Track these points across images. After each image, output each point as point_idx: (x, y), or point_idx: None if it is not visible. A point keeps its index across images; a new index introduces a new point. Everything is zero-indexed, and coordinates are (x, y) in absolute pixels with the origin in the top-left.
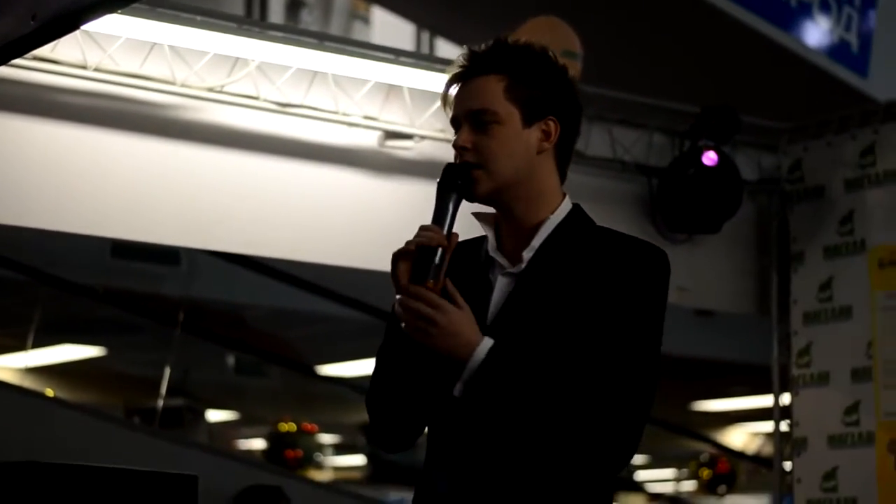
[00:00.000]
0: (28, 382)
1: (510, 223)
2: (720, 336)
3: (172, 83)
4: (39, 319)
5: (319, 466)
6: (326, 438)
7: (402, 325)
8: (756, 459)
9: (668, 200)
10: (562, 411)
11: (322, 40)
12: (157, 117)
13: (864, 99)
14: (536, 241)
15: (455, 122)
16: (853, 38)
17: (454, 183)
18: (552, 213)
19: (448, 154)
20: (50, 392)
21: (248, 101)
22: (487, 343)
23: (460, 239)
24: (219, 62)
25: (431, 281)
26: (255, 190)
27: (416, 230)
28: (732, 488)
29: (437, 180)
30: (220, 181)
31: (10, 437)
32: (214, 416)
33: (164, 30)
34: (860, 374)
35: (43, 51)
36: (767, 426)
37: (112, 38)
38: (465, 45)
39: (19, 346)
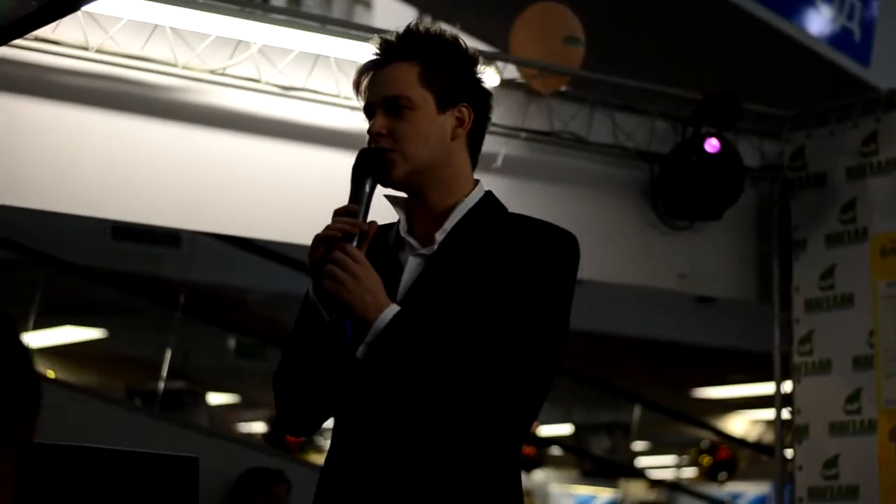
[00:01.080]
0: None
1: (422, 207)
2: (721, 323)
3: (174, 65)
4: (40, 301)
5: (320, 450)
6: (328, 422)
7: (324, 281)
8: (757, 447)
9: (669, 187)
10: (459, 378)
11: (324, 24)
12: (159, 99)
13: (867, 87)
14: (449, 224)
15: (369, 110)
16: (855, 27)
17: (369, 167)
18: (465, 197)
19: None
20: (51, 374)
21: (250, 83)
22: (394, 308)
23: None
24: (221, 44)
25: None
26: (256, 173)
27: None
28: (733, 475)
29: (353, 164)
30: (221, 164)
31: None
32: (215, 398)
33: (167, 11)
34: (862, 363)
35: (44, 31)
36: (768, 413)
37: (114, 20)
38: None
39: (20, 328)
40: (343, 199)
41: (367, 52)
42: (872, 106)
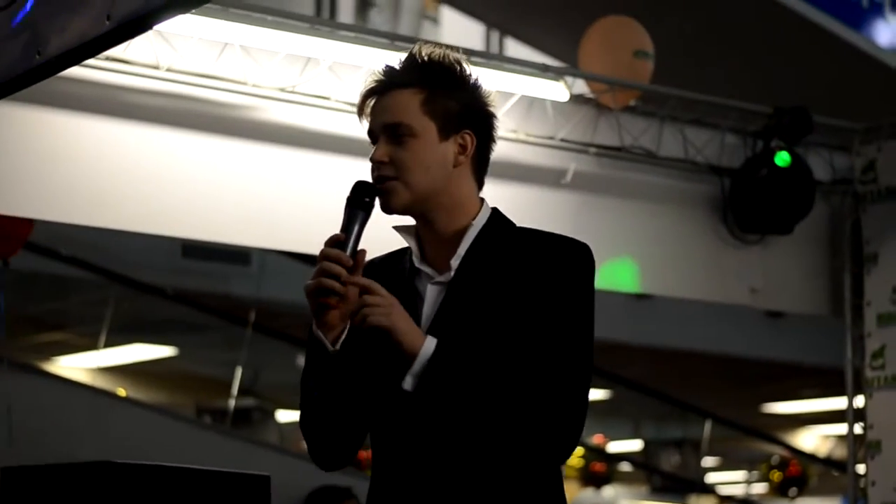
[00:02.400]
0: (100, 382)
1: (431, 233)
2: (792, 338)
3: (244, 83)
4: (111, 319)
5: None
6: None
7: (361, 315)
8: (828, 462)
9: (740, 201)
10: (507, 401)
11: (392, 40)
12: (229, 117)
13: None
14: (462, 249)
15: (371, 135)
16: None
17: (361, 200)
18: (473, 219)
19: (517, 154)
20: (122, 392)
21: (320, 101)
22: (431, 338)
23: (383, 252)
24: (290, 62)
25: (332, 297)
26: (326, 190)
27: None
28: (803, 491)
29: (347, 196)
30: (291, 181)
31: (83, 436)
32: (284, 416)
33: (236, 29)
34: None
35: (115, 51)
36: (839, 429)
37: (184, 38)
38: (538, 56)
39: (91, 346)
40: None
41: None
42: None
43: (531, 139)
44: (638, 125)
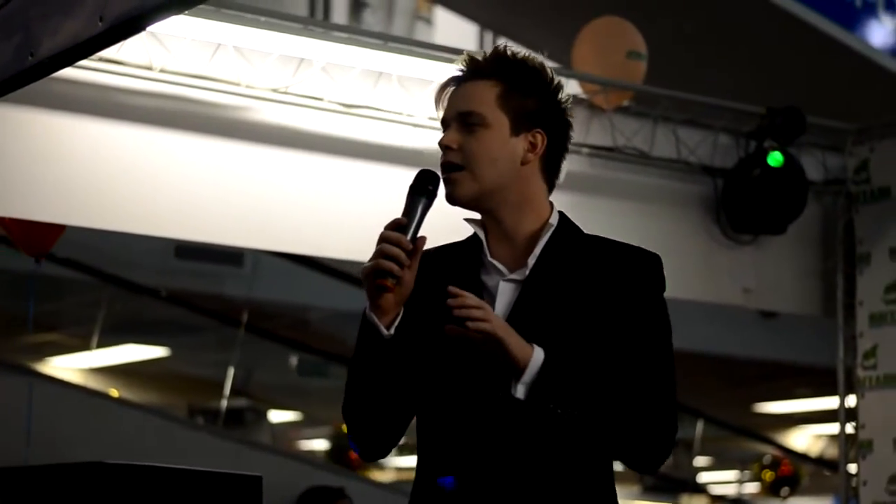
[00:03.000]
0: (93, 383)
1: (499, 230)
2: (784, 337)
3: (237, 84)
4: (104, 320)
5: (382, 467)
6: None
7: (469, 325)
8: (820, 462)
9: (733, 201)
10: (616, 410)
11: (386, 41)
12: (222, 118)
13: None
14: (538, 248)
15: (444, 123)
16: None
17: (425, 187)
18: (546, 220)
19: None
20: (115, 392)
21: (313, 101)
22: (537, 347)
23: (444, 242)
24: (283, 63)
25: (389, 280)
26: (319, 191)
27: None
28: (795, 490)
29: (410, 183)
30: (284, 182)
31: (76, 436)
32: (277, 416)
33: (229, 30)
34: None
35: (109, 52)
36: (831, 428)
37: (177, 39)
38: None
39: (84, 347)
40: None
41: (427, 68)
42: None
43: None
44: (631, 126)
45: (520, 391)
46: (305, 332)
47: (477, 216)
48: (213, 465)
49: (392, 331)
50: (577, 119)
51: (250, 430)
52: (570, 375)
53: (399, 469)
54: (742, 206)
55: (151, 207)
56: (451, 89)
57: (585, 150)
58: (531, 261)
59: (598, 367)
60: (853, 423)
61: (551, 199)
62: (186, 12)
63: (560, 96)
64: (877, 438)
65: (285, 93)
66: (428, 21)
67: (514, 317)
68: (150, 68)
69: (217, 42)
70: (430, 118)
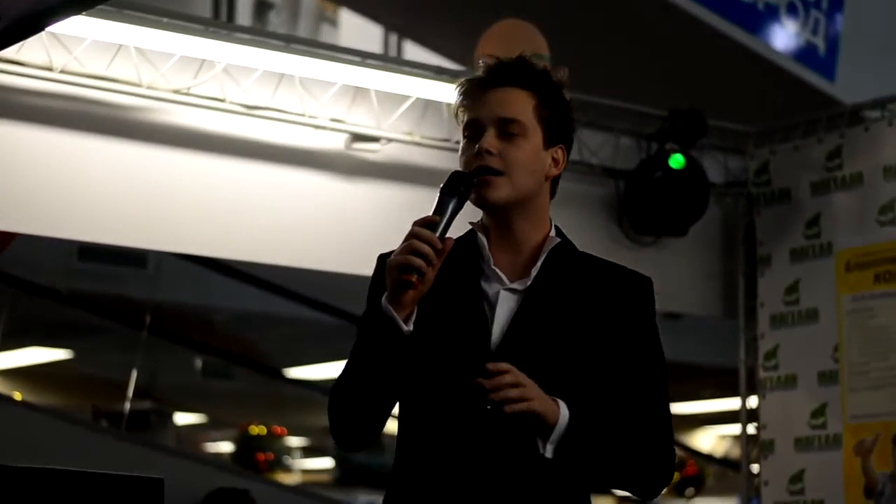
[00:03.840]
0: None
1: (505, 238)
2: (688, 339)
3: (139, 85)
4: (5, 322)
5: (288, 469)
6: (294, 441)
7: (504, 407)
8: (724, 462)
9: (634, 203)
10: (630, 448)
11: (289, 42)
12: (124, 119)
13: (832, 102)
14: (541, 260)
15: (475, 126)
16: (820, 42)
17: (457, 189)
18: (547, 233)
19: (413, 156)
20: (17, 395)
21: (215, 103)
22: (560, 402)
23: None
24: (185, 64)
25: (415, 276)
26: (221, 192)
27: (382, 233)
28: (700, 491)
29: (442, 184)
30: (186, 183)
31: None
32: (182, 418)
33: (131, 31)
34: (827, 377)
35: (8, 52)
36: (735, 429)
37: (78, 40)
38: (436, 59)
39: None
40: (300, 219)
41: (330, 70)
42: (837, 121)
43: (426, 142)
44: None
45: (548, 451)
46: (209, 333)
47: (480, 221)
48: (118, 468)
49: (410, 326)
50: None
51: (155, 432)
52: (592, 428)
53: (305, 471)
54: (644, 207)
55: (53, 209)
56: (477, 92)
57: None
58: (534, 271)
59: (597, 390)
60: (755, 424)
61: None
62: (87, 13)
63: (573, 115)
64: (778, 438)
65: (187, 94)
66: (333, 23)
67: (515, 326)
68: (50, 69)
69: (118, 43)
70: (332, 119)
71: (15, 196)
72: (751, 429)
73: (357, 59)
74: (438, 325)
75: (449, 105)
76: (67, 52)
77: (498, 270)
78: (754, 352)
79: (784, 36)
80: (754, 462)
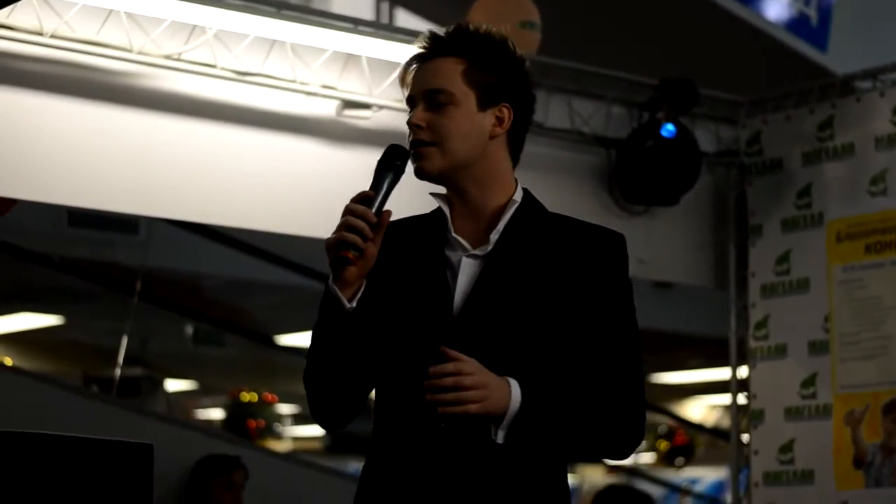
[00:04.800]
0: None
1: (464, 205)
2: (678, 308)
3: (129, 50)
4: None
5: (279, 437)
6: (285, 409)
7: (460, 407)
8: (714, 432)
9: (626, 172)
10: (594, 415)
11: (280, 8)
12: (114, 85)
13: (823, 73)
14: (501, 224)
15: (411, 101)
16: (812, 12)
17: (393, 163)
18: (510, 197)
19: (404, 124)
20: (7, 361)
21: (206, 69)
22: (515, 385)
23: (408, 215)
24: (176, 30)
25: (352, 252)
26: (212, 158)
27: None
28: (690, 460)
29: (379, 158)
30: (176, 149)
31: None
32: (172, 385)
33: None
34: (817, 347)
35: None
36: (725, 399)
37: (69, 5)
38: (427, 26)
39: None
40: (292, 186)
41: (322, 36)
42: (828, 91)
43: None
44: None
45: (499, 437)
46: (200, 300)
47: (443, 191)
48: (108, 434)
49: (354, 304)
50: None
51: (145, 398)
52: (547, 406)
53: (296, 439)
54: (635, 176)
55: (43, 174)
56: (415, 67)
57: None
58: (494, 236)
59: (563, 353)
60: (745, 394)
61: None
62: None
63: (525, 70)
64: (768, 408)
65: (178, 59)
66: None
67: (477, 293)
68: (40, 33)
69: (109, 8)
70: (324, 86)
71: (4, 161)
72: (741, 398)
73: (349, 25)
74: (402, 295)
75: None
76: (58, 17)
77: (459, 238)
78: (745, 322)
79: (776, 6)
80: (744, 432)
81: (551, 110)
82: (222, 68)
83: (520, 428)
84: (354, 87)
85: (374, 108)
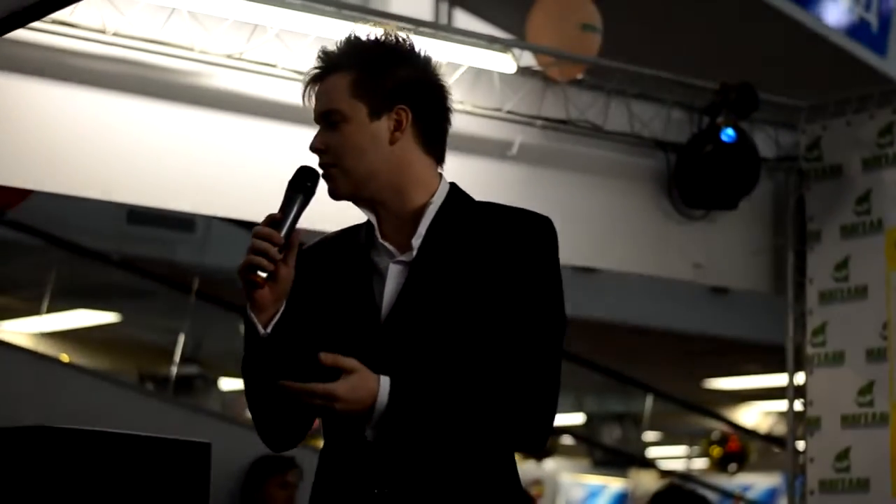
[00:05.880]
0: (42, 347)
1: (387, 213)
2: (735, 314)
3: (191, 49)
4: (54, 284)
5: None
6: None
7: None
8: (768, 438)
9: (685, 176)
10: (479, 406)
11: (340, 8)
12: (175, 83)
13: (883, 78)
14: (422, 227)
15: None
16: (873, 18)
17: (303, 184)
18: (431, 197)
19: (464, 125)
20: (65, 357)
21: (267, 68)
22: (384, 382)
23: (337, 229)
24: (238, 28)
25: (260, 275)
26: (272, 158)
27: None
28: (743, 466)
29: (289, 179)
30: (237, 148)
31: (25, 401)
32: (227, 384)
33: None
34: (875, 355)
35: (62, 14)
36: (780, 405)
37: (131, 3)
38: (487, 28)
39: (34, 311)
40: None
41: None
42: (889, 97)
43: (478, 111)
44: (584, 98)
45: (369, 434)
46: None
47: None
48: (163, 432)
49: (269, 329)
50: (531, 91)
51: (200, 397)
52: (420, 399)
53: None
54: (694, 181)
55: (103, 172)
56: (315, 87)
57: (539, 122)
58: (416, 242)
59: (465, 361)
60: (801, 400)
61: (502, 168)
62: None
63: (420, 64)
64: (824, 416)
65: (239, 59)
66: None
67: (402, 299)
68: (103, 31)
69: (171, 6)
70: None
71: (66, 158)
72: (797, 405)
73: (409, 26)
74: (333, 306)
75: (501, 74)
76: (120, 15)
77: (387, 244)
78: (802, 328)
79: (836, 11)
80: (800, 439)
81: (611, 114)
82: (283, 68)
83: (388, 425)
84: None
85: None
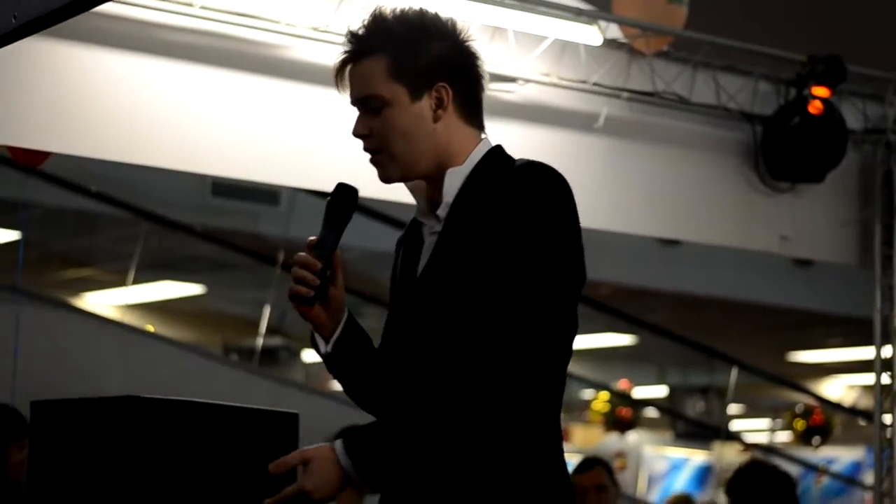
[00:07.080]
0: (129, 318)
1: (435, 185)
2: (820, 286)
3: (277, 22)
4: (140, 256)
5: None
6: None
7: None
8: (852, 411)
9: (772, 149)
10: (433, 422)
11: None
12: (262, 56)
13: None
14: (448, 197)
15: (356, 109)
16: None
17: (341, 204)
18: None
19: (550, 97)
20: (150, 328)
21: None
22: (339, 447)
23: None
24: (324, 1)
25: (304, 303)
26: None
27: None
28: (827, 440)
29: (328, 198)
30: (322, 121)
31: (112, 371)
32: (310, 356)
33: None
34: None
35: None
36: (865, 378)
37: None
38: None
39: (120, 283)
40: None
41: (469, 10)
42: None
43: (564, 83)
44: (671, 71)
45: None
46: (341, 272)
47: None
48: (248, 403)
49: (330, 347)
50: (617, 63)
51: (285, 368)
52: (376, 439)
53: None
54: (781, 153)
55: (189, 144)
56: (347, 69)
57: (625, 94)
58: (441, 213)
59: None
60: (889, 374)
61: (589, 140)
62: None
63: (450, 35)
64: None
65: (325, 31)
66: None
67: (427, 270)
68: (190, 5)
69: None
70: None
71: (151, 131)
72: (885, 378)
73: (423, 6)
74: (394, 283)
75: (587, 46)
76: None
77: (423, 219)
78: (889, 301)
79: None
80: (887, 412)
81: (697, 86)
82: None
83: (367, 474)
84: (501, 60)
85: (520, 82)
